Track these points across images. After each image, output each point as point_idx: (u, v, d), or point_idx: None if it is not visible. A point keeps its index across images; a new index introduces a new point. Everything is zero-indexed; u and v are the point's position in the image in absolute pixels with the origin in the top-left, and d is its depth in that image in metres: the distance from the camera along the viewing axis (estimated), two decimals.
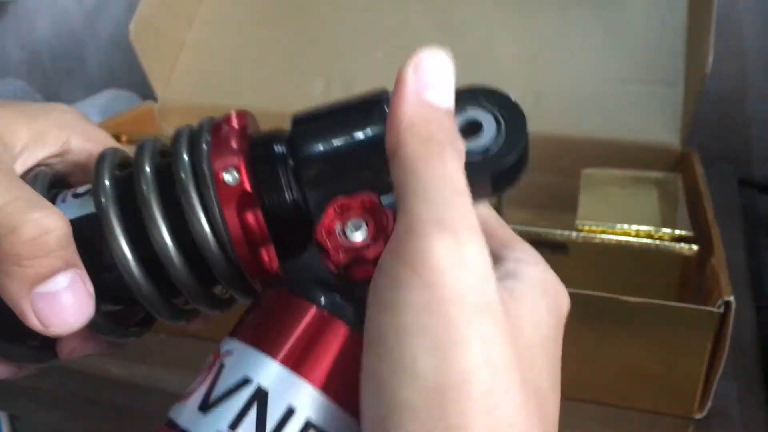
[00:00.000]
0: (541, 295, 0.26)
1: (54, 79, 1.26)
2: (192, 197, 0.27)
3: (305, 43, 0.90)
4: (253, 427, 0.24)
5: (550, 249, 0.60)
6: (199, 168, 0.27)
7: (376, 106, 0.28)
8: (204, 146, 0.28)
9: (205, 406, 0.25)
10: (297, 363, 0.25)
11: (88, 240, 0.28)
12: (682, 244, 0.57)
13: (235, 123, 0.28)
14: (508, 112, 0.29)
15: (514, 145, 0.28)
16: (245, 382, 0.25)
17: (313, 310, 0.26)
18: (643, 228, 0.59)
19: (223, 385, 0.25)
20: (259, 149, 0.28)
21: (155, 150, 0.30)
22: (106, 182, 0.29)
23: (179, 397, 0.27)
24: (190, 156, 0.28)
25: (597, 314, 0.52)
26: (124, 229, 0.28)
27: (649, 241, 0.58)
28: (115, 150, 0.32)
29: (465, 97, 0.28)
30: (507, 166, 0.28)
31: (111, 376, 0.58)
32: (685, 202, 0.64)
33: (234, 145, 0.27)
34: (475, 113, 0.28)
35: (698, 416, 0.53)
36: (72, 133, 0.33)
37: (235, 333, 0.27)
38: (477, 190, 0.25)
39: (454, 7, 0.84)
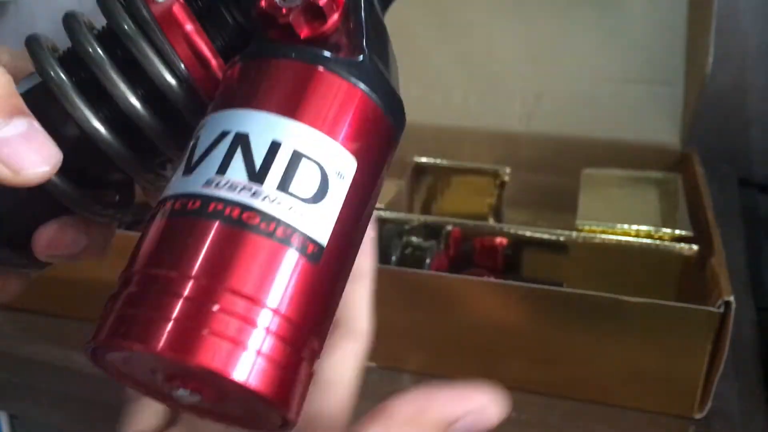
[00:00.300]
0: None
1: None
2: (140, 40, 0.27)
3: None
4: (242, 166, 0.24)
5: (550, 249, 0.60)
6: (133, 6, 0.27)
7: None
8: None
9: (189, 169, 0.24)
10: (264, 103, 0.25)
11: (43, 115, 0.26)
12: (682, 244, 0.57)
13: None
14: None
15: None
16: (222, 134, 0.24)
17: (254, 62, 0.26)
18: (643, 228, 0.59)
19: (201, 148, 0.25)
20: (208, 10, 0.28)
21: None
22: (47, 53, 0.28)
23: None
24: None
25: (597, 314, 0.52)
26: (79, 93, 0.27)
27: (649, 241, 0.58)
28: (44, 36, 0.31)
29: None
30: None
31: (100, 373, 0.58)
32: (685, 202, 0.64)
33: None
34: None
35: (698, 416, 0.53)
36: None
37: (213, 107, 0.26)
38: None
39: (454, 7, 0.84)
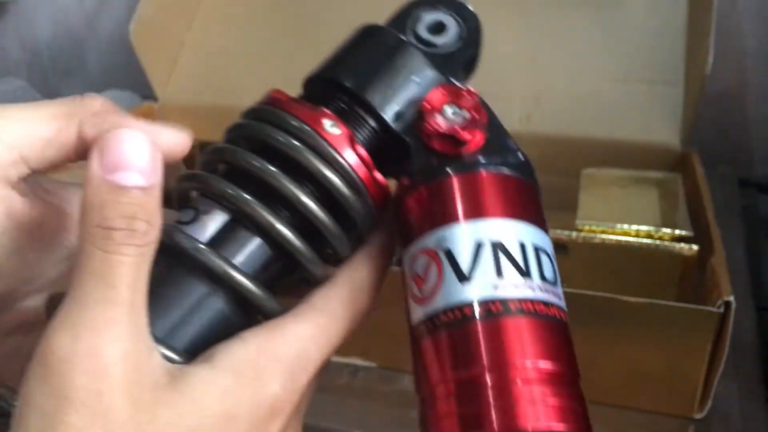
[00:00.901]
0: (229, 380, 0.27)
1: (54, 79, 1.26)
2: (311, 157, 0.30)
3: (305, 43, 0.90)
4: (512, 268, 0.29)
5: None
6: (302, 131, 0.30)
7: (377, 30, 0.34)
8: (288, 117, 0.31)
9: (464, 277, 0.29)
10: (508, 211, 0.30)
11: (235, 245, 0.30)
12: (682, 244, 0.57)
13: (282, 95, 0.32)
14: (465, 13, 0.36)
15: (474, 40, 0.35)
16: (479, 245, 0.29)
17: (470, 176, 0.31)
18: (643, 228, 0.59)
19: (465, 258, 0.29)
20: (325, 99, 0.32)
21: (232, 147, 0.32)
22: (228, 187, 0.30)
23: (415, 299, 0.30)
24: (281, 128, 0.31)
25: (597, 314, 0.52)
26: (272, 213, 0.30)
27: (649, 241, 0.58)
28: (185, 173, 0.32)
29: (426, 3, 0.35)
30: (471, 57, 0.35)
31: None
32: (685, 202, 0.64)
33: (309, 105, 0.31)
34: (437, 16, 0.35)
35: (698, 416, 0.53)
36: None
37: (427, 229, 0.30)
38: (455, 74, 0.33)
39: None
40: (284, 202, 0.30)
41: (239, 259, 0.30)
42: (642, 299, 0.50)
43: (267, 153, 0.30)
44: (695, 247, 0.57)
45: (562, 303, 0.30)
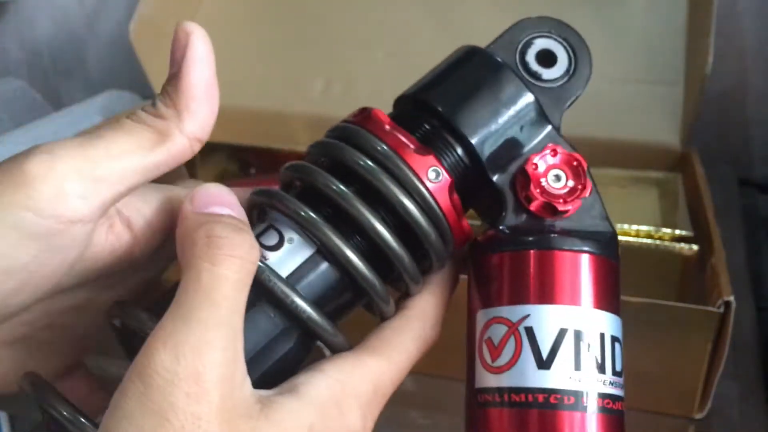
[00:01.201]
0: (315, 414, 0.28)
1: (54, 79, 1.26)
2: (410, 205, 0.30)
3: (305, 43, 0.90)
4: (591, 361, 0.29)
5: None
6: (406, 180, 0.30)
7: (486, 58, 0.32)
8: (389, 152, 0.30)
9: (543, 364, 0.29)
10: (583, 298, 0.30)
11: (315, 279, 0.30)
12: (682, 244, 0.57)
13: (384, 119, 0.31)
14: (576, 42, 0.34)
15: (583, 74, 0.33)
16: (562, 332, 0.29)
17: (585, 257, 0.30)
18: (643, 228, 0.59)
19: (546, 342, 0.29)
20: (432, 141, 0.31)
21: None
22: (313, 214, 0.30)
23: (486, 366, 0.30)
24: (386, 167, 0.30)
25: None
26: (356, 253, 0.30)
27: (649, 241, 0.58)
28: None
29: (537, 26, 0.33)
30: (578, 94, 0.33)
31: (110, 376, 0.58)
32: (685, 202, 0.64)
33: (417, 146, 0.30)
34: (548, 43, 0.33)
35: (698, 416, 0.53)
36: None
37: (509, 298, 0.30)
38: (552, 113, 0.32)
39: (454, 6, 0.84)
40: (365, 236, 0.30)
41: (317, 293, 0.30)
42: (642, 299, 0.50)
43: (356, 181, 0.30)
44: (695, 247, 0.57)
45: (623, 392, 0.31)
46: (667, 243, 0.58)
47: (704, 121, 0.79)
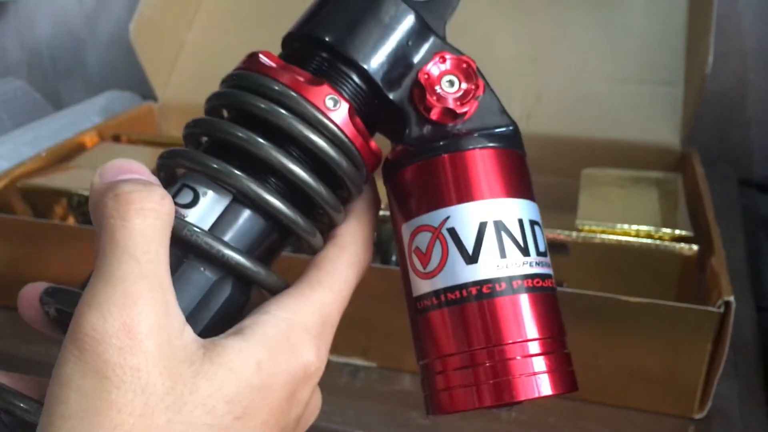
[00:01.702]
0: (263, 351, 0.28)
1: (54, 79, 1.26)
2: (314, 136, 0.30)
3: None
4: (513, 246, 0.30)
5: (551, 249, 0.60)
6: (305, 111, 0.30)
7: None
8: (285, 89, 0.30)
9: (471, 258, 0.30)
10: (510, 190, 0.31)
11: (238, 226, 0.31)
12: (682, 244, 0.57)
13: (269, 60, 0.32)
14: None
15: None
16: (482, 225, 0.30)
17: (480, 151, 0.31)
18: (643, 228, 0.59)
19: (469, 238, 0.30)
20: (325, 72, 0.32)
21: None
22: (228, 169, 0.30)
23: (418, 273, 0.31)
24: (283, 105, 0.30)
25: (597, 314, 0.52)
26: (272, 192, 0.30)
27: (649, 241, 0.58)
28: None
29: None
30: (455, 3, 0.35)
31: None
32: (685, 202, 0.64)
33: (310, 77, 0.31)
34: None
35: (698, 416, 0.53)
36: None
37: (428, 205, 0.31)
38: (435, 24, 0.33)
39: None
40: (280, 176, 0.31)
41: (243, 240, 0.31)
42: (642, 299, 0.50)
43: (259, 124, 0.31)
44: (695, 247, 0.57)
45: (551, 269, 0.32)
46: (667, 243, 0.58)
47: (704, 121, 0.79)
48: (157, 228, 0.27)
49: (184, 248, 0.29)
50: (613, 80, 0.80)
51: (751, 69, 0.90)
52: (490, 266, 0.30)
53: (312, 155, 0.31)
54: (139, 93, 1.02)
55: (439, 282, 0.31)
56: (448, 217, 0.31)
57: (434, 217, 0.31)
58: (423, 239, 0.31)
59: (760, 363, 0.58)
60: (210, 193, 0.31)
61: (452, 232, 0.31)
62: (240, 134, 0.30)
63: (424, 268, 0.31)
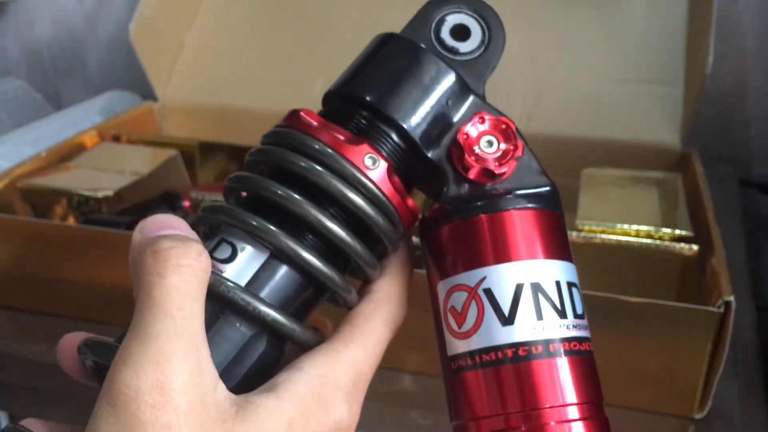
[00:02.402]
0: (294, 410, 0.28)
1: (54, 79, 1.26)
2: (349, 192, 0.31)
3: (305, 43, 0.90)
4: (550, 308, 0.30)
5: None
6: (344, 171, 0.31)
7: (402, 42, 0.33)
8: (325, 148, 0.31)
9: (507, 320, 0.30)
10: (545, 252, 0.31)
11: (275, 283, 0.31)
12: (682, 244, 0.57)
13: (310, 118, 0.32)
14: (486, 13, 0.34)
15: (498, 41, 0.34)
16: (519, 286, 0.30)
17: (515, 213, 0.32)
18: (643, 228, 0.59)
19: (505, 300, 0.30)
20: (365, 131, 0.32)
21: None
22: (269, 228, 0.30)
23: (453, 333, 0.31)
24: (324, 165, 0.31)
25: (597, 314, 0.52)
26: (310, 251, 0.31)
27: (649, 241, 0.58)
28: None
29: (447, 3, 0.34)
30: (496, 63, 0.34)
31: None
32: (685, 202, 0.64)
33: (350, 137, 0.31)
34: (460, 18, 0.34)
35: (698, 416, 0.53)
36: None
37: (464, 265, 0.31)
38: (474, 83, 0.33)
39: None
40: (317, 233, 0.31)
41: (279, 296, 0.31)
42: (642, 299, 0.50)
43: (298, 182, 0.31)
44: (695, 247, 0.57)
45: (588, 332, 0.32)
46: (667, 243, 0.58)
47: (704, 121, 0.79)
48: (193, 284, 0.27)
49: (221, 304, 0.29)
50: (613, 80, 0.80)
51: (751, 69, 0.90)
52: (527, 328, 0.30)
53: (349, 212, 0.31)
54: (139, 93, 1.02)
55: (475, 342, 0.31)
56: (484, 278, 0.31)
57: (470, 277, 0.31)
58: (459, 299, 0.31)
59: (760, 363, 0.58)
60: (248, 248, 0.31)
61: (488, 292, 0.31)
62: (279, 192, 0.30)
63: (459, 328, 0.31)
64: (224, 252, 0.31)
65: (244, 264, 0.31)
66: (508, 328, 0.30)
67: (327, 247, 0.31)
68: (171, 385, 0.25)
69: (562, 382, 0.30)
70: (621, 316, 0.51)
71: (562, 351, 0.30)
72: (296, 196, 0.30)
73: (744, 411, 0.53)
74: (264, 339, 0.30)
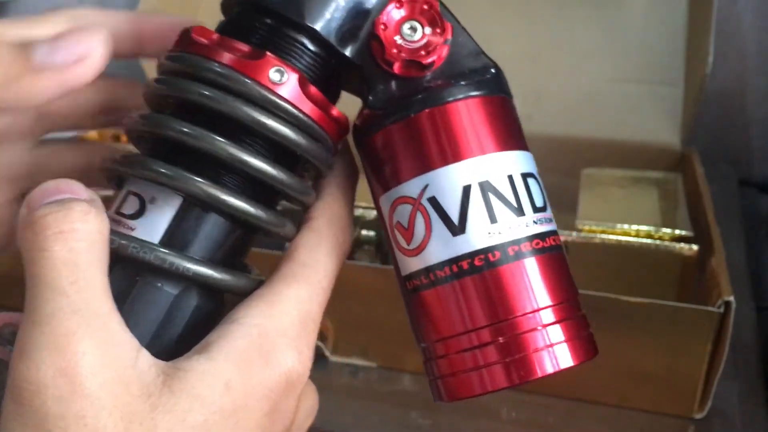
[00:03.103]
0: (232, 369, 0.25)
1: None
2: (253, 111, 0.27)
3: None
4: (504, 208, 0.27)
5: None
6: (249, 90, 0.27)
7: None
8: (220, 69, 0.27)
9: (458, 229, 0.27)
10: (494, 144, 0.28)
11: (193, 232, 0.28)
12: (682, 244, 0.57)
13: (202, 37, 0.28)
14: None
15: None
16: (466, 189, 0.27)
17: (455, 105, 0.28)
18: (643, 228, 0.59)
19: (453, 207, 0.27)
20: (271, 41, 0.28)
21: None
22: (176, 172, 0.27)
23: (403, 251, 0.28)
24: (223, 86, 0.27)
25: (597, 314, 0.52)
26: (226, 190, 0.27)
27: (649, 241, 0.58)
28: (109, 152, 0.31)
29: None
30: None
31: None
32: (685, 202, 0.64)
33: (249, 51, 0.27)
34: None
35: (698, 416, 0.53)
36: None
37: (404, 174, 0.28)
38: None
39: (453, 7, 0.83)
40: (231, 168, 0.28)
41: (201, 245, 0.28)
42: (642, 299, 0.50)
43: (201, 112, 0.27)
44: (695, 247, 0.57)
45: (553, 224, 0.29)
46: (667, 243, 0.58)
47: (704, 121, 0.78)
48: (83, 251, 0.24)
49: (136, 266, 0.26)
50: (613, 80, 0.80)
51: (751, 69, 0.90)
52: (481, 235, 0.27)
53: (265, 138, 0.28)
54: None
55: (427, 258, 0.27)
56: (426, 186, 0.27)
57: (412, 187, 0.28)
58: (403, 212, 0.28)
59: (760, 363, 0.58)
60: (157, 199, 0.27)
61: (433, 201, 0.27)
62: (176, 127, 0.27)
63: (409, 245, 0.28)
64: (132, 206, 0.28)
65: (155, 217, 0.27)
66: (460, 237, 0.27)
67: (247, 182, 0.28)
68: (77, 370, 0.22)
69: (531, 285, 0.27)
70: (621, 316, 0.51)
71: (524, 252, 0.27)
72: (196, 129, 0.27)
73: (744, 411, 0.53)
74: (194, 294, 0.27)
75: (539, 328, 0.27)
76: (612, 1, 0.82)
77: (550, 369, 0.27)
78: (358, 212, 0.63)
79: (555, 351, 0.27)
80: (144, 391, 0.23)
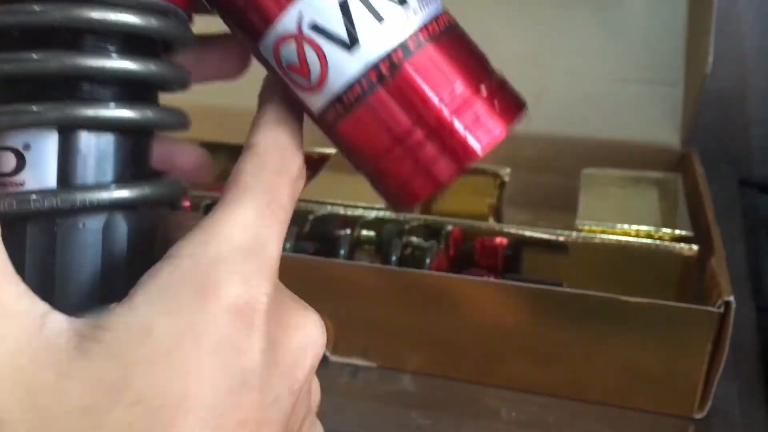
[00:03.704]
0: (158, 318, 0.21)
1: None
2: (70, 8, 0.24)
3: None
4: (388, 2, 0.26)
5: (550, 249, 0.60)
6: None
7: None
8: None
9: (350, 44, 0.26)
10: None
11: (85, 161, 0.25)
12: (682, 244, 0.57)
13: None
14: None
15: None
16: (344, 1, 0.26)
17: None
18: (643, 228, 0.59)
19: (336, 23, 0.26)
20: None
21: None
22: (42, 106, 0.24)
23: (305, 90, 0.27)
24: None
25: (597, 314, 0.52)
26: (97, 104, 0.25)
27: (649, 241, 0.58)
28: None
29: None
30: None
31: None
32: (685, 202, 0.64)
33: None
34: None
35: (698, 416, 0.53)
36: None
37: (276, 10, 0.26)
38: None
39: (453, 6, 0.83)
40: (87, 78, 0.25)
41: (99, 169, 0.25)
42: (642, 299, 0.50)
43: (25, 34, 0.24)
44: (695, 247, 0.57)
45: (439, 2, 0.28)
46: (667, 243, 0.58)
47: (704, 121, 0.78)
48: None
49: (47, 219, 0.24)
50: (613, 80, 0.80)
51: (751, 69, 0.90)
52: (375, 40, 0.25)
53: (102, 33, 0.25)
54: None
55: (333, 87, 0.26)
56: (301, 13, 0.26)
57: (286, 22, 0.26)
58: (290, 52, 0.26)
59: (760, 363, 0.58)
60: (31, 143, 0.25)
61: (315, 27, 0.26)
62: (22, 56, 0.24)
63: (310, 81, 0.26)
64: (8, 163, 0.25)
65: (38, 162, 0.24)
66: (356, 51, 0.26)
67: (119, 87, 0.26)
68: None
69: (442, 69, 0.26)
70: (621, 316, 0.51)
71: (423, 41, 0.26)
72: (26, 54, 0.24)
73: (744, 411, 0.53)
74: (121, 220, 0.25)
75: (464, 108, 0.27)
76: (612, 1, 0.82)
77: (488, 140, 0.27)
78: (357, 212, 0.63)
79: (488, 122, 0.27)
80: (53, 358, 0.20)
